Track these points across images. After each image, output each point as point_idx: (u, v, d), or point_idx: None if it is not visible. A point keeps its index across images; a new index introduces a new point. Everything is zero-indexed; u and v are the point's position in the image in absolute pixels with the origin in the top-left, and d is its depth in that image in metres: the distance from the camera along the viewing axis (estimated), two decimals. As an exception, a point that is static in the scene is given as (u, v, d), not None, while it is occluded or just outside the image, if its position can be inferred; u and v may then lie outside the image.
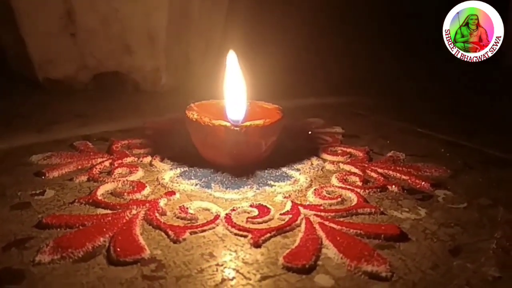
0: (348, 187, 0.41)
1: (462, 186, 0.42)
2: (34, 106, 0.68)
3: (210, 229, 0.34)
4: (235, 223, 0.34)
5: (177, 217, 0.35)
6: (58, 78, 0.75)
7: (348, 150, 0.51)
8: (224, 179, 0.42)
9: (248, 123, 0.41)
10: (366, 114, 0.70)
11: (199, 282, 0.27)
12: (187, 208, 0.36)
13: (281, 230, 0.33)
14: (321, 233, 0.33)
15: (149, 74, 0.77)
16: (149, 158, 0.47)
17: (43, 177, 0.42)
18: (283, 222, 0.34)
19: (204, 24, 0.83)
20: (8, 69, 0.82)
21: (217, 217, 0.35)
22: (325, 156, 0.49)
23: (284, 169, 0.45)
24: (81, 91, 0.76)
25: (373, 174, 0.44)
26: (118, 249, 0.30)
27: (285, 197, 0.39)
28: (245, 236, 0.33)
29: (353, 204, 0.38)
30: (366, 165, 0.46)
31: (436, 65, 1.02)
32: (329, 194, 0.40)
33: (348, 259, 0.30)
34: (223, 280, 0.28)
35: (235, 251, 0.31)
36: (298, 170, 0.45)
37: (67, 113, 0.65)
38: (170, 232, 0.33)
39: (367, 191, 0.41)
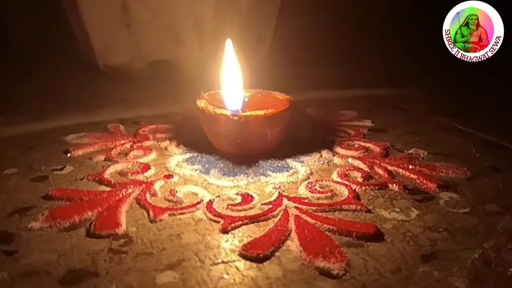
0: (345, 182, 0.40)
1: (474, 190, 0.39)
2: (90, 90, 0.75)
3: (189, 212, 0.35)
4: (213, 208, 0.35)
5: (165, 199, 0.37)
6: (115, 65, 0.81)
7: (367, 145, 0.49)
8: (224, 167, 0.43)
9: (248, 113, 0.42)
10: (409, 107, 0.66)
11: (155, 261, 0.29)
12: (176, 191, 0.38)
13: (254, 219, 0.34)
14: (292, 225, 0.33)
15: (197, 63, 0.80)
16: (166, 143, 0.50)
17: (68, 155, 0.47)
18: (260, 212, 0.35)
19: (254, 17, 0.84)
20: (80, 55, 0.90)
21: (200, 202, 0.37)
22: (338, 149, 0.48)
23: (288, 160, 0.45)
24: (136, 78, 0.82)
25: (380, 171, 0.43)
26: (98, 223, 0.33)
27: (274, 188, 0.39)
28: (218, 222, 0.34)
29: (340, 200, 0.37)
30: (377, 161, 0.45)
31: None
32: (321, 188, 0.39)
33: (305, 253, 0.30)
34: (178, 261, 0.29)
35: (203, 235, 0.32)
36: (302, 162, 0.44)
37: (115, 98, 0.70)
38: (150, 212, 0.35)
39: (364, 187, 0.39)
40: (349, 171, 0.42)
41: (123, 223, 0.33)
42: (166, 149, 0.49)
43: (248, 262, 0.29)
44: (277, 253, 0.30)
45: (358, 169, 0.43)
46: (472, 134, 0.54)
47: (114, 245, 0.31)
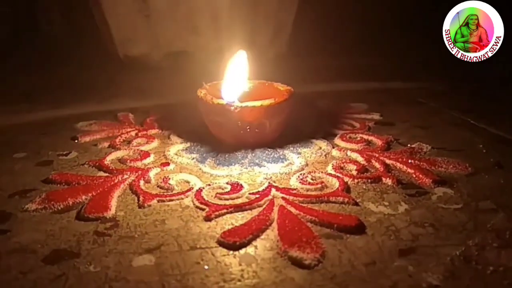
0: (338, 175, 0.40)
1: (471, 186, 0.38)
2: (109, 80, 0.77)
3: (178, 199, 0.36)
4: (201, 196, 0.36)
5: (158, 186, 0.38)
6: (135, 56, 0.83)
7: (370, 138, 0.49)
8: (221, 156, 0.43)
9: (244, 104, 0.42)
10: (425, 102, 0.65)
11: (136, 244, 0.30)
12: (169, 178, 0.39)
13: (239, 208, 0.34)
14: (275, 215, 0.33)
15: (213, 53, 0.80)
16: (170, 131, 0.51)
17: (76, 141, 0.49)
18: (247, 201, 0.35)
19: (273, 6, 0.84)
20: (103, 46, 0.93)
21: (190, 189, 0.37)
22: (338, 142, 0.48)
23: (286, 151, 0.45)
24: (154, 68, 0.83)
25: (377, 165, 0.42)
26: (88, 207, 0.34)
27: (265, 178, 0.39)
28: (203, 210, 0.34)
29: (329, 192, 0.37)
30: (376, 155, 0.44)
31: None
32: (313, 180, 0.39)
33: (282, 243, 0.30)
34: (157, 245, 0.30)
35: (186, 221, 0.33)
36: (299, 153, 0.44)
37: (131, 87, 0.72)
38: (140, 198, 0.36)
39: (356, 180, 0.39)
40: (344, 163, 0.42)
41: (112, 207, 0.35)
42: (169, 137, 0.50)
43: (224, 249, 0.30)
44: (254, 242, 0.30)
45: (355, 162, 0.42)
46: (484, 129, 0.52)
47: (100, 228, 0.32)
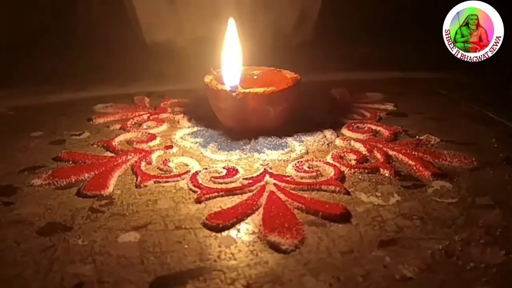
0: (335, 163, 0.40)
1: (472, 181, 0.37)
2: (132, 64, 0.79)
3: (173, 181, 0.37)
4: (196, 179, 0.37)
5: (158, 168, 0.40)
6: (160, 41, 0.85)
7: (378, 128, 0.48)
8: (223, 141, 0.44)
9: (247, 90, 0.43)
10: (445, 93, 0.63)
11: (125, 222, 0.32)
12: (169, 161, 0.40)
13: (230, 192, 0.35)
14: (263, 200, 0.34)
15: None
16: (181, 116, 0.52)
17: (90, 122, 0.51)
18: (239, 185, 0.36)
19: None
20: (133, 32, 0.95)
21: (187, 172, 0.38)
22: (344, 131, 0.47)
23: (289, 138, 0.45)
24: (179, 54, 0.85)
25: (378, 155, 0.42)
26: (88, 184, 0.36)
27: (262, 165, 0.40)
28: (195, 192, 0.35)
29: (321, 180, 0.37)
30: (380, 145, 0.43)
31: None
32: (309, 168, 0.39)
33: (263, 227, 0.30)
34: (145, 223, 0.31)
35: (177, 202, 0.34)
36: (301, 141, 0.44)
37: (153, 72, 0.74)
38: (138, 178, 0.37)
39: (353, 170, 0.39)
40: (345, 153, 0.42)
41: (110, 186, 0.36)
42: (178, 122, 0.51)
43: (207, 231, 0.30)
44: (238, 225, 0.31)
45: (356, 152, 0.42)
46: (501, 123, 0.50)
47: (96, 205, 0.34)
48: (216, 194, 0.35)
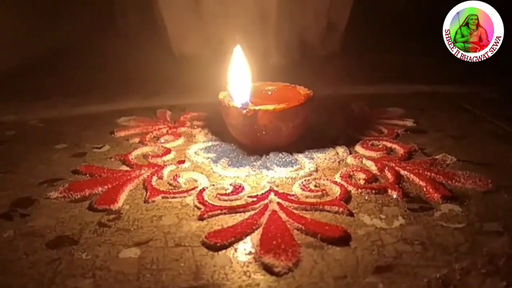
0: (342, 183, 0.39)
1: (484, 205, 0.36)
2: (159, 76, 0.82)
3: (180, 197, 0.38)
4: (202, 196, 0.38)
5: (168, 183, 0.41)
6: (188, 53, 0.87)
7: (393, 146, 0.47)
8: (235, 157, 0.45)
9: (257, 107, 0.43)
10: (471, 108, 0.61)
11: (129, 237, 0.33)
12: (179, 176, 0.41)
13: (233, 210, 0.36)
14: (264, 220, 0.34)
15: (261, 52, 0.82)
16: (198, 130, 0.53)
17: (112, 135, 0.53)
18: (243, 203, 0.36)
19: (324, 6, 0.83)
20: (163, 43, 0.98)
21: (194, 188, 0.39)
22: (358, 148, 0.47)
23: (300, 155, 0.45)
24: (206, 66, 0.87)
25: (389, 175, 0.41)
26: (100, 199, 0.38)
27: (268, 182, 0.40)
28: (200, 209, 0.36)
29: (326, 200, 0.37)
30: (392, 164, 0.43)
31: None
32: (315, 187, 0.39)
33: (260, 247, 0.31)
34: (147, 239, 0.33)
35: (181, 219, 0.35)
36: (312, 158, 0.44)
37: (178, 84, 0.76)
38: (147, 193, 0.39)
39: (360, 190, 0.38)
40: (355, 172, 0.41)
41: (120, 201, 0.38)
42: (195, 136, 0.52)
43: (205, 249, 0.31)
44: (236, 245, 0.32)
45: (366, 171, 0.42)
46: (526, 143, 0.48)
47: (104, 219, 0.35)
48: (219, 211, 0.35)
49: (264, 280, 0.28)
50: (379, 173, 0.41)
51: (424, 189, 0.38)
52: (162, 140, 0.51)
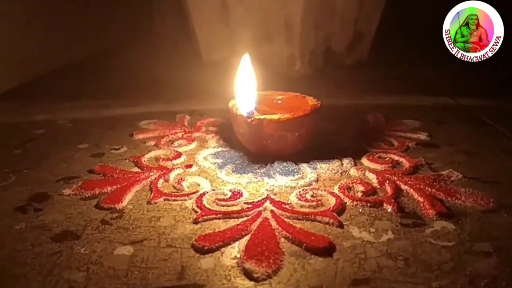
0: (339, 194, 0.40)
1: (480, 224, 0.35)
2: (187, 81, 0.85)
3: (181, 200, 0.40)
4: (201, 200, 0.39)
5: (172, 186, 0.43)
6: (216, 60, 0.89)
7: (400, 159, 0.47)
8: (240, 164, 0.46)
9: (263, 117, 0.45)
10: (491, 123, 0.59)
11: (126, 235, 0.35)
12: (184, 180, 0.43)
13: (227, 215, 0.37)
14: (255, 226, 0.35)
15: (285, 60, 0.83)
16: (211, 135, 0.55)
17: (131, 137, 0.56)
18: (239, 209, 0.38)
19: (351, 15, 0.83)
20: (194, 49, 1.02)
21: (196, 192, 0.41)
22: (364, 160, 0.47)
23: (304, 164, 0.46)
24: (232, 72, 0.89)
25: (388, 189, 0.41)
26: (107, 198, 0.40)
27: (267, 190, 0.41)
28: (197, 212, 0.38)
29: (319, 211, 0.37)
30: (394, 178, 0.43)
31: None
32: (312, 197, 0.40)
33: (244, 253, 0.32)
34: (142, 239, 0.35)
35: (177, 221, 0.37)
36: (315, 168, 0.45)
37: (202, 89, 0.78)
38: (151, 195, 0.41)
39: (356, 202, 0.39)
40: (354, 184, 0.42)
41: (125, 201, 0.40)
42: (207, 141, 0.54)
43: (193, 252, 0.33)
44: (224, 249, 0.33)
45: (365, 183, 0.42)
46: (543, 161, 0.47)
47: (107, 217, 0.38)
48: (214, 216, 0.37)
49: (243, 285, 0.29)
50: (379, 186, 0.42)
51: (421, 205, 0.38)
52: (176, 144, 0.53)
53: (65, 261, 0.32)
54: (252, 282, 0.29)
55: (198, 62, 0.94)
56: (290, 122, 0.44)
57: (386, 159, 0.47)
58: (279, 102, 0.51)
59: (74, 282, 0.30)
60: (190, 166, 0.47)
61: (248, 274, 0.30)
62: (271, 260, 0.31)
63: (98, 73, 0.93)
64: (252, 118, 0.44)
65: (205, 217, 0.37)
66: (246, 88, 0.47)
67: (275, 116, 0.44)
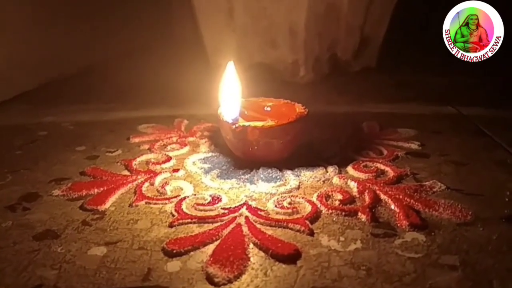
0: (316, 202, 0.40)
1: (451, 237, 0.35)
2: (194, 85, 0.86)
3: (162, 204, 0.41)
4: (180, 204, 0.41)
5: (156, 189, 0.44)
6: (222, 65, 0.90)
7: (386, 168, 0.47)
8: (225, 169, 0.47)
9: (246, 123, 0.45)
10: (490, 134, 0.58)
11: (102, 236, 0.36)
12: (167, 184, 0.45)
13: (202, 220, 0.38)
14: (226, 231, 0.36)
15: (290, 66, 0.84)
16: (204, 140, 0.56)
17: (127, 140, 0.58)
18: (216, 214, 0.39)
19: (357, 21, 0.83)
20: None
21: (177, 196, 0.42)
22: (348, 168, 0.47)
23: (288, 171, 0.46)
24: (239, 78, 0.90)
25: (366, 198, 0.41)
26: (91, 199, 0.42)
27: (246, 196, 0.42)
28: (174, 216, 0.39)
29: (292, 218, 0.38)
30: (375, 188, 0.43)
31: None
32: (289, 204, 0.40)
33: (210, 258, 0.33)
34: (116, 240, 0.36)
35: (153, 224, 0.38)
36: (298, 175, 0.46)
37: (205, 94, 0.79)
38: (134, 197, 0.42)
39: (331, 211, 0.39)
40: (333, 192, 0.42)
41: (108, 203, 0.41)
42: (199, 146, 0.55)
43: (162, 255, 0.34)
44: (193, 253, 0.34)
45: (344, 192, 0.42)
46: (534, 174, 0.46)
47: (88, 218, 0.39)
48: (189, 220, 0.38)
49: (202, 288, 0.30)
50: (358, 196, 0.42)
51: (396, 216, 0.38)
52: (168, 148, 0.54)
53: (41, 259, 0.33)
54: (212, 286, 0.30)
55: (207, 67, 0.96)
56: (274, 130, 0.45)
57: (372, 168, 0.47)
58: (268, 109, 0.52)
59: (45, 279, 0.31)
60: (177, 170, 0.48)
61: (210, 279, 0.31)
62: (234, 266, 0.32)
63: (110, 77, 0.95)
64: (237, 125, 0.45)
65: (181, 221, 0.38)
66: (230, 95, 0.48)
67: (259, 123, 0.45)
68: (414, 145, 0.54)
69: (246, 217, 0.38)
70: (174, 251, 0.34)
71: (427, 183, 0.44)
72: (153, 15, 1.35)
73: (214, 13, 0.86)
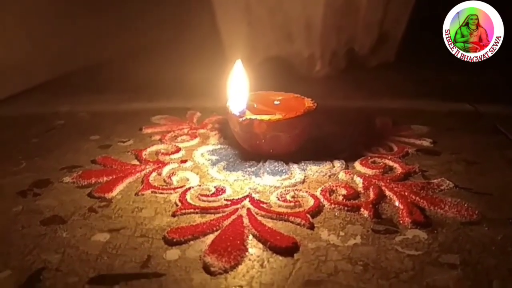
0: (320, 197, 0.40)
1: (453, 236, 0.35)
2: (211, 79, 0.86)
3: (167, 193, 0.42)
4: (185, 194, 0.41)
5: (163, 179, 0.45)
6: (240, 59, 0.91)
7: (394, 165, 0.47)
8: (232, 162, 0.48)
9: (254, 117, 0.46)
10: (505, 132, 0.57)
11: (107, 223, 0.37)
12: (174, 174, 0.45)
13: (204, 210, 0.39)
14: (227, 222, 0.36)
15: (306, 60, 0.83)
16: (214, 133, 0.57)
17: (140, 131, 0.59)
18: (219, 205, 0.39)
19: (376, 16, 0.82)
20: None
21: (182, 187, 0.43)
22: (356, 164, 0.47)
23: (295, 165, 0.46)
24: (253, 73, 0.90)
25: (371, 194, 0.41)
26: (99, 187, 0.43)
27: (250, 188, 0.42)
28: (177, 206, 0.40)
29: (293, 211, 0.38)
30: (381, 184, 0.42)
31: None
32: (292, 198, 0.40)
33: (209, 247, 0.33)
34: (119, 227, 0.37)
35: (157, 213, 0.39)
36: (305, 169, 0.46)
37: (220, 86, 0.80)
38: (140, 187, 0.43)
39: (334, 206, 0.39)
40: (338, 187, 0.42)
41: (115, 191, 0.42)
42: (209, 138, 0.55)
43: (162, 243, 0.34)
44: (192, 242, 0.34)
45: (349, 187, 0.42)
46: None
47: (95, 206, 0.40)
48: (192, 210, 0.38)
49: (199, 277, 0.30)
50: (363, 191, 0.41)
51: (399, 212, 0.38)
52: (179, 140, 0.55)
53: (46, 243, 0.34)
54: (208, 276, 0.30)
55: (223, 62, 0.96)
56: (281, 123, 0.45)
57: (380, 164, 0.47)
58: (277, 102, 0.51)
59: (49, 262, 0.32)
60: (185, 161, 0.48)
61: (206, 268, 0.31)
62: (231, 256, 0.32)
63: (127, 70, 0.96)
64: (244, 118, 0.45)
65: (183, 211, 0.38)
66: (238, 88, 0.48)
67: (265, 117, 0.45)
68: (426, 142, 0.53)
69: (248, 209, 0.38)
70: (174, 240, 0.34)
71: (435, 180, 0.43)
72: (174, 10, 1.36)
73: (231, 6, 0.86)
